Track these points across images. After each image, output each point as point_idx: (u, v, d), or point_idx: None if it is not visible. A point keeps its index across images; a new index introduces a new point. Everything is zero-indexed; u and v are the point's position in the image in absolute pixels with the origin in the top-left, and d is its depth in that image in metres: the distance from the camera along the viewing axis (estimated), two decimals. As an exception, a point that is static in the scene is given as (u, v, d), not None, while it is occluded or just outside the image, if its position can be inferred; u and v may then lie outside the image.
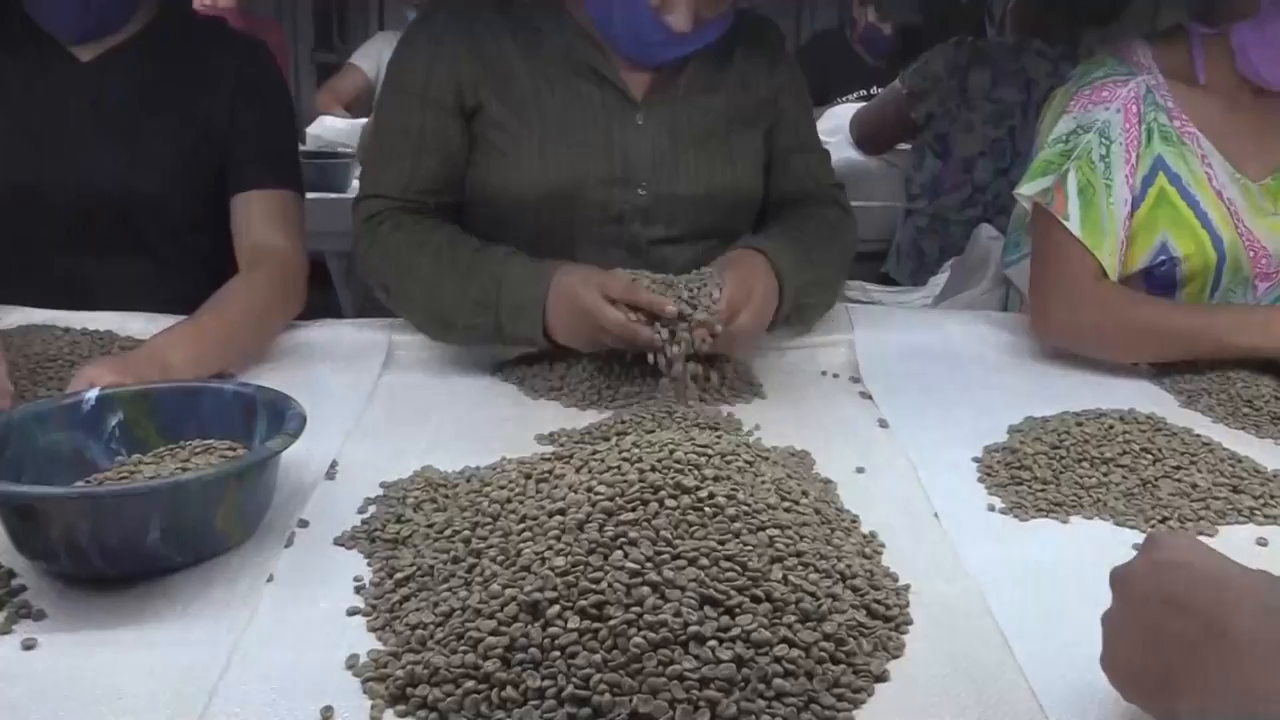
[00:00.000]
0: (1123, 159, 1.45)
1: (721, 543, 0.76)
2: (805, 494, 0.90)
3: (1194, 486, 1.02)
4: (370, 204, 1.41)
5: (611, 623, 0.69)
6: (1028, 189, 1.48)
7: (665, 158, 1.40)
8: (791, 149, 1.54)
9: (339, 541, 0.91)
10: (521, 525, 0.81)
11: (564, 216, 1.39)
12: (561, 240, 1.41)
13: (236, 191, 1.52)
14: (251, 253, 1.47)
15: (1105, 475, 1.04)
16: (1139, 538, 0.95)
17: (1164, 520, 0.97)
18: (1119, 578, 0.66)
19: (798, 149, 1.55)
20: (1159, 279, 1.49)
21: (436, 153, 1.40)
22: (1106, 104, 1.46)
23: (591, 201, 1.39)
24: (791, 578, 0.75)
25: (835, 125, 3.04)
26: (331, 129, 3.05)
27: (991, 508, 1.01)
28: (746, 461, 0.89)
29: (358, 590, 0.83)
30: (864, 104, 2.90)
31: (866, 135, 2.77)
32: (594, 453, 0.89)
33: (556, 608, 0.71)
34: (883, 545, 0.91)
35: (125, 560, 0.82)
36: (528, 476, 0.90)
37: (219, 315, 1.32)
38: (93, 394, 0.98)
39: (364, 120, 3.14)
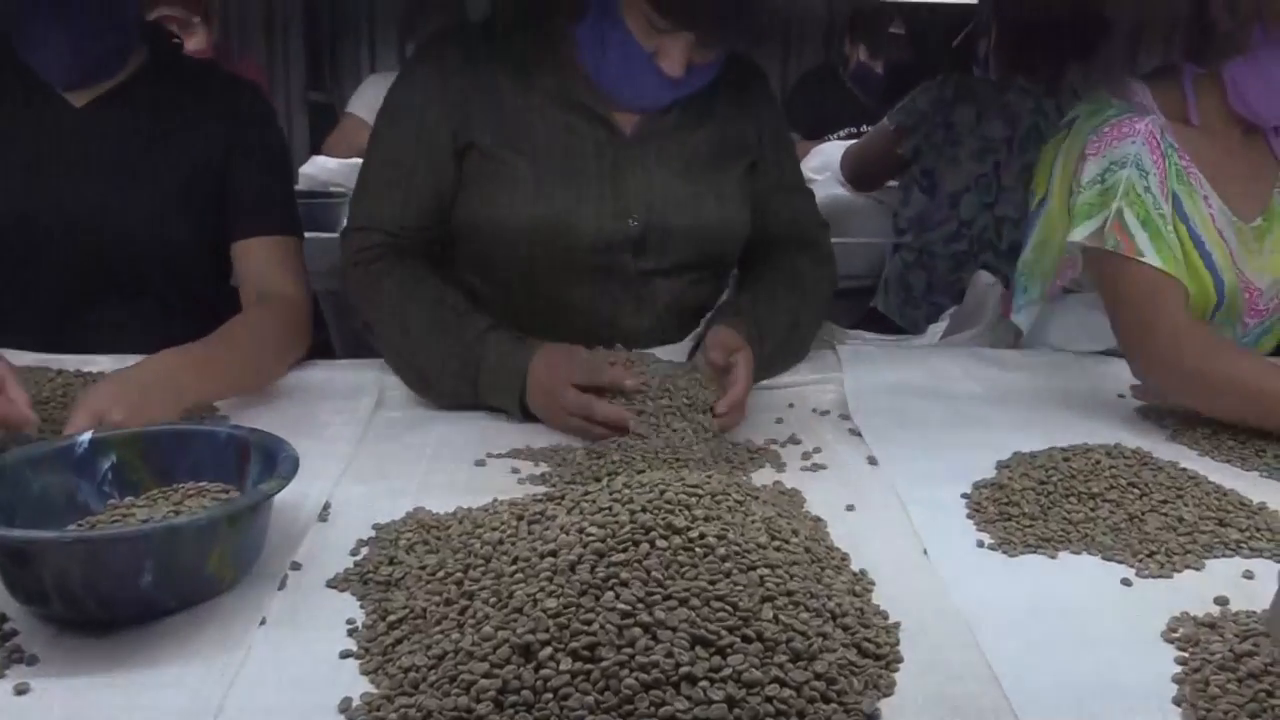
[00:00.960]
0: (1160, 191, 1.42)
1: (712, 583, 0.77)
2: (795, 532, 0.90)
3: (1181, 520, 1.03)
4: (362, 236, 1.42)
5: (604, 664, 0.69)
6: (1078, 234, 1.43)
7: (656, 190, 1.43)
8: (774, 188, 1.56)
9: (332, 584, 0.91)
10: (514, 567, 0.82)
11: (557, 248, 1.41)
12: (553, 272, 1.43)
13: (239, 239, 1.54)
14: (258, 297, 1.50)
15: (1093, 510, 1.05)
16: (1127, 572, 0.95)
17: (1151, 555, 0.98)
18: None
19: (780, 188, 1.57)
20: None
21: (430, 188, 1.42)
22: (1130, 138, 1.43)
23: (584, 233, 1.41)
24: (782, 617, 0.75)
25: (824, 163, 3.07)
26: (325, 169, 3.06)
27: (980, 544, 1.01)
28: (737, 501, 0.89)
29: (350, 633, 0.83)
30: (854, 141, 2.93)
31: (857, 172, 2.80)
32: (585, 494, 0.90)
33: (549, 649, 0.71)
34: (873, 583, 0.91)
35: (118, 604, 0.82)
36: (520, 518, 0.91)
37: (227, 346, 1.34)
38: (85, 437, 0.98)
39: (356, 160, 3.15)
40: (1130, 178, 1.41)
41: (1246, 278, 1.49)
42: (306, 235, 1.60)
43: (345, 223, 1.47)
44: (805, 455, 1.24)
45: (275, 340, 1.42)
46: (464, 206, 1.43)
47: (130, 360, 1.41)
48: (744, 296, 1.47)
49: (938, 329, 1.87)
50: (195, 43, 2.89)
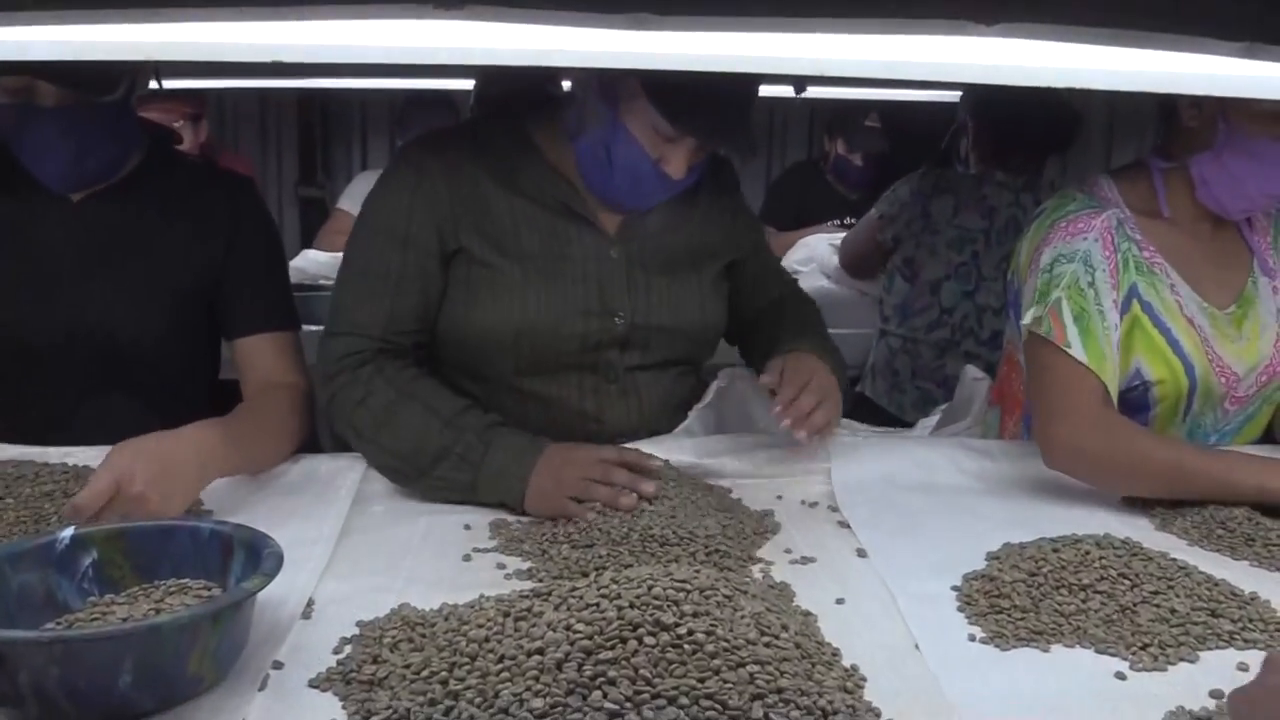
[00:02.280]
0: (1109, 285, 1.46)
1: (701, 680, 0.76)
2: (785, 628, 0.89)
3: (1173, 611, 1.02)
4: (347, 341, 1.41)
5: (591, 766, 0.68)
6: (1027, 317, 1.48)
7: (640, 290, 1.46)
8: (760, 274, 1.66)
9: (314, 684, 0.90)
10: (500, 665, 0.80)
11: (546, 350, 1.43)
12: (542, 371, 1.44)
13: (240, 337, 1.56)
14: (260, 387, 1.51)
15: (1084, 602, 1.04)
16: (1121, 665, 0.94)
17: (1145, 647, 0.97)
18: (1238, 700, 0.64)
19: (763, 272, 1.68)
20: (1132, 403, 1.52)
21: (416, 294, 1.42)
22: (1084, 234, 1.48)
23: (571, 334, 1.42)
24: (773, 715, 0.74)
25: (808, 255, 3.12)
26: (314, 262, 3.10)
27: (972, 637, 1.01)
28: (725, 596, 0.88)
29: (333, 735, 0.82)
30: (848, 231, 3.01)
31: (850, 260, 2.88)
32: (572, 589, 0.89)
33: (535, 751, 0.70)
34: (864, 679, 0.90)
35: (95, 707, 0.81)
36: (506, 614, 0.89)
37: (249, 422, 1.38)
38: (67, 533, 0.97)
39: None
40: (1075, 272, 1.46)
41: (1223, 363, 1.51)
42: (297, 328, 1.62)
43: (328, 322, 1.44)
44: (790, 550, 1.23)
45: (284, 424, 1.45)
46: (451, 310, 1.44)
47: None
48: (784, 341, 1.53)
49: (928, 424, 1.88)
50: (185, 144, 2.93)
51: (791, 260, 3.18)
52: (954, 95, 3.05)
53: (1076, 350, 1.43)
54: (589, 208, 1.45)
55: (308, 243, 3.88)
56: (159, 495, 1.12)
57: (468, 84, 3.08)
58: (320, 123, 4.77)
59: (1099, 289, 1.46)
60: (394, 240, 1.41)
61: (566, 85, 1.56)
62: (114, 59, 1.33)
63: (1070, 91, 2.15)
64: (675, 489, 1.28)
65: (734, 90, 1.34)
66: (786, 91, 1.80)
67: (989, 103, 2.55)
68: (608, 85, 1.36)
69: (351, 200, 3.87)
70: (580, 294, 1.43)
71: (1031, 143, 2.54)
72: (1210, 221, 1.54)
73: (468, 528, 1.27)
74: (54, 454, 1.39)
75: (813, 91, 2.69)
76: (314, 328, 2.56)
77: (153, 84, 1.69)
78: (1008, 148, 2.53)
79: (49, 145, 1.43)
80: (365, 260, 1.43)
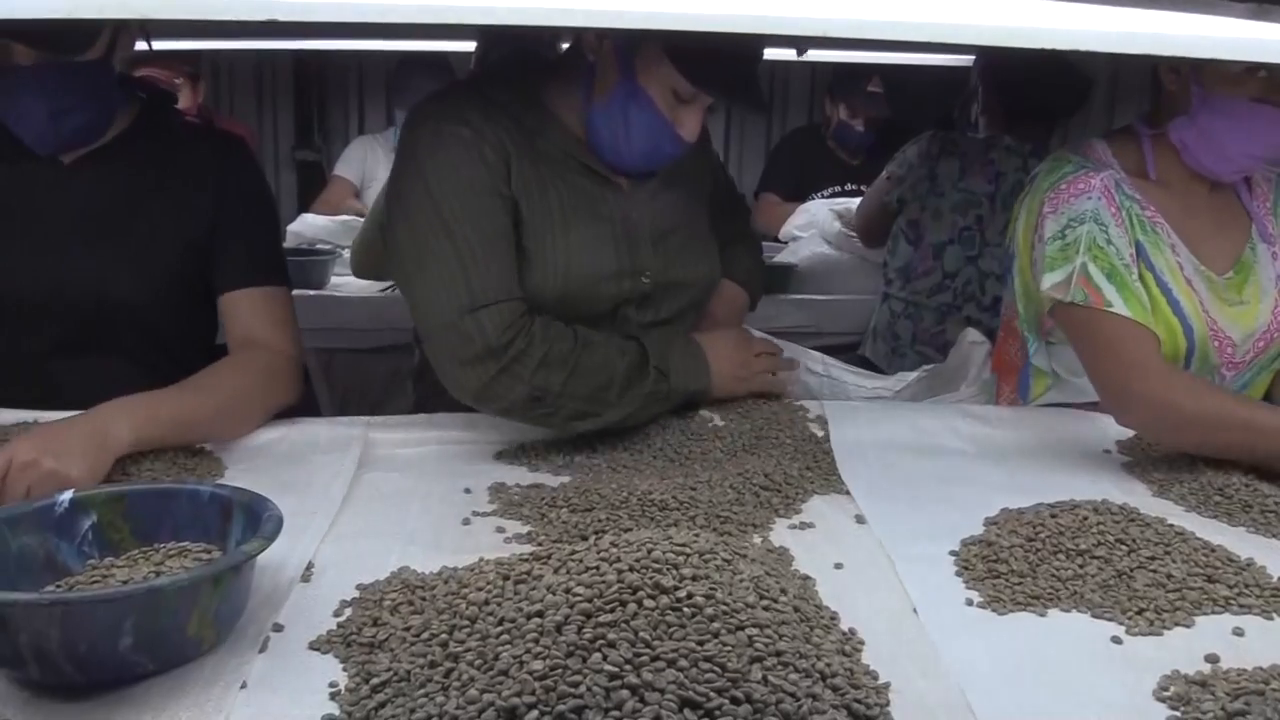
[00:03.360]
0: (1124, 239, 1.46)
1: (700, 643, 0.76)
2: (784, 591, 0.89)
3: (1169, 577, 1.03)
4: (499, 310, 1.33)
5: (590, 727, 0.68)
6: (1046, 281, 1.46)
7: (660, 248, 1.50)
8: (727, 212, 1.75)
9: (314, 646, 0.90)
10: (499, 628, 0.81)
11: (579, 307, 1.44)
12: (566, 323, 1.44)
13: (226, 291, 1.54)
14: (241, 345, 1.49)
15: (1081, 567, 1.04)
16: (1117, 629, 0.95)
17: (1141, 612, 0.97)
18: None
19: (730, 213, 1.78)
20: None
21: (522, 246, 1.40)
22: (1087, 194, 1.47)
23: (605, 295, 1.46)
24: (771, 678, 0.75)
25: (810, 221, 3.10)
26: (313, 225, 3.08)
27: (969, 602, 1.01)
28: (724, 560, 0.89)
29: (333, 696, 0.82)
30: (846, 197, 2.98)
31: (863, 226, 2.83)
32: (572, 553, 0.89)
33: (535, 713, 0.70)
34: (862, 642, 0.90)
35: (96, 668, 0.81)
36: (505, 578, 0.90)
37: (185, 392, 1.33)
38: (66, 496, 0.97)
39: (345, 217, 3.17)
40: (1090, 232, 1.45)
41: (1218, 328, 1.50)
42: (295, 292, 1.60)
43: (455, 304, 1.33)
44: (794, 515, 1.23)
45: (243, 389, 1.40)
46: None
47: None
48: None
49: (908, 377, 1.88)
50: (181, 102, 2.91)
51: (792, 226, 3.16)
52: (957, 59, 3.02)
53: (1119, 307, 1.41)
54: (605, 169, 1.46)
55: (304, 206, 3.87)
56: (51, 458, 1.12)
57: (465, 46, 3.05)
58: (317, 86, 4.73)
59: (1116, 244, 1.45)
60: (492, 198, 1.37)
61: (564, 47, 1.55)
62: (107, 17, 1.31)
63: (1075, 54, 2.12)
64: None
65: (745, 49, 1.37)
66: (788, 54, 1.80)
67: (1000, 67, 2.52)
68: (624, 48, 1.35)
69: (348, 165, 3.85)
70: (613, 255, 1.45)
71: (1042, 107, 2.52)
72: (1206, 186, 1.53)
73: (467, 491, 1.28)
74: (47, 418, 1.39)
75: (814, 55, 2.66)
76: (309, 292, 2.57)
77: (141, 45, 1.66)
78: (1018, 111, 2.51)
79: (26, 106, 1.41)
80: (474, 225, 1.35)
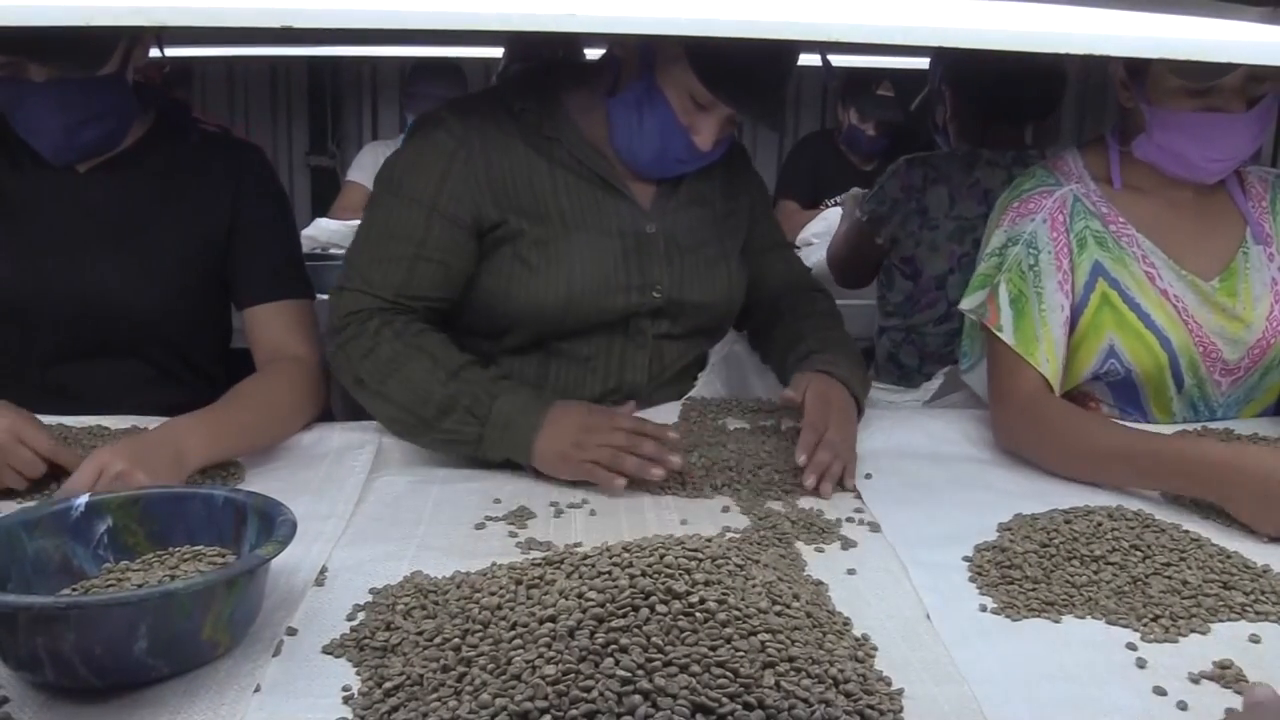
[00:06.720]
0: (1053, 266, 1.47)
1: (713, 649, 0.76)
2: (797, 597, 0.89)
3: (1184, 583, 1.02)
4: (357, 297, 1.40)
5: (603, 732, 0.68)
6: (967, 303, 1.53)
7: (675, 264, 1.49)
8: (768, 248, 1.67)
9: (327, 650, 0.90)
10: (512, 632, 0.81)
11: (586, 316, 1.45)
12: (574, 336, 1.47)
13: (249, 305, 1.55)
14: (270, 356, 1.51)
15: (1096, 573, 1.04)
16: (1132, 636, 0.94)
17: (1156, 619, 0.97)
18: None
19: (773, 247, 1.68)
20: (1117, 385, 1.51)
21: (438, 264, 1.41)
22: (1032, 215, 1.49)
23: (612, 306, 1.45)
24: (784, 684, 0.74)
25: (827, 227, 3.07)
26: (326, 230, 3.09)
27: (983, 608, 1.00)
28: (737, 565, 0.89)
29: (346, 700, 0.82)
30: (831, 243, 2.83)
31: (844, 270, 2.65)
32: (584, 558, 0.89)
33: (548, 718, 0.70)
34: (875, 648, 0.90)
35: (111, 671, 0.81)
36: (518, 582, 0.90)
37: (237, 406, 1.35)
38: (81, 500, 0.98)
39: (358, 222, 3.17)
40: (1018, 255, 1.49)
41: (1203, 335, 1.47)
42: (307, 298, 1.61)
43: (341, 275, 1.44)
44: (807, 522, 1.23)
45: (286, 401, 1.43)
46: (494, 282, 1.43)
47: (119, 421, 1.42)
48: (807, 344, 1.53)
49: (931, 386, 1.86)
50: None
51: (808, 233, 3.16)
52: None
53: (1007, 335, 1.46)
54: (623, 181, 1.46)
55: (319, 212, 3.87)
56: (144, 472, 1.14)
57: (478, 52, 3.05)
58: (330, 91, 4.75)
59: (1041, 270, 1.47)
60: (421, 207, 1.40)
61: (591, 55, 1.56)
62: (120, 24, 1.31)
63: (1066, 57, 2.06)
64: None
65: (772, 63, 1.36)
66: (811, 60, 1.75)
67: (968, 71, 2.34)
68: (647, 45, 1.36)
69: (361, 171, 3.86)
70: (622, 267, 1.45)
71: (1016, 111, 2.40)
72: (1190, 189, 1.50)
73: (485, 496, 1.28)
74: (50, 422, 1.38)
75: (814, 59, 2.58)
76: (323, 296, 2.56)
77: (155, 52, 1.67)
78: (991, 116, 2.34)
79: (42, 120, 1.41)
80: (388, 221, 1.42)
